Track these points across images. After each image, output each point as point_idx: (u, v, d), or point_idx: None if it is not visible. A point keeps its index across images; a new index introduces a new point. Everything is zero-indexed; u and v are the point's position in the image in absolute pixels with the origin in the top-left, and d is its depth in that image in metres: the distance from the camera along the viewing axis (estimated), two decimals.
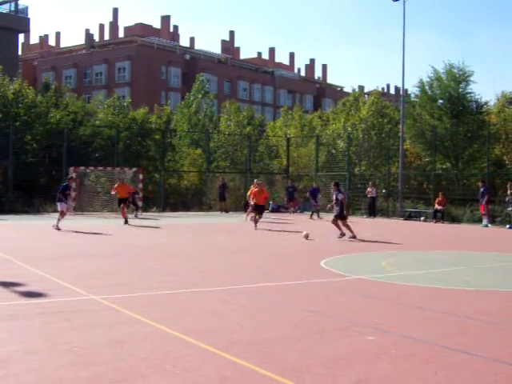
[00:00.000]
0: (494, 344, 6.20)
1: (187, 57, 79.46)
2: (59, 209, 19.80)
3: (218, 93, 74.21)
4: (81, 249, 14.49)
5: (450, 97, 31.63)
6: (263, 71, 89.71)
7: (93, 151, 34.56)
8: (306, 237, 17.42)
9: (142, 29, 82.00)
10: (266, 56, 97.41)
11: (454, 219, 27.63)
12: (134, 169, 30.71)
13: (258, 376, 4.98)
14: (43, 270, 10.59)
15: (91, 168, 29.74)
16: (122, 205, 22.97)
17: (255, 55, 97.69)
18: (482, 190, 25.23)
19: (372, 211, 30.34)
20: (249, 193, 23.63)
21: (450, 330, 6.79)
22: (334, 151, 36.74)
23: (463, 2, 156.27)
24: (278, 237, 18.88)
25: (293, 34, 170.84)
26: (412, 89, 51.17)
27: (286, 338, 6.22)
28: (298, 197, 34.04)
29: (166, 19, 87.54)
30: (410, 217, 29.40)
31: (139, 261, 12.30)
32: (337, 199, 17.72)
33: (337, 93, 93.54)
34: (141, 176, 30.17)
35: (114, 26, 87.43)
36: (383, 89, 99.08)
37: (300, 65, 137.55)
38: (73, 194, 28.00)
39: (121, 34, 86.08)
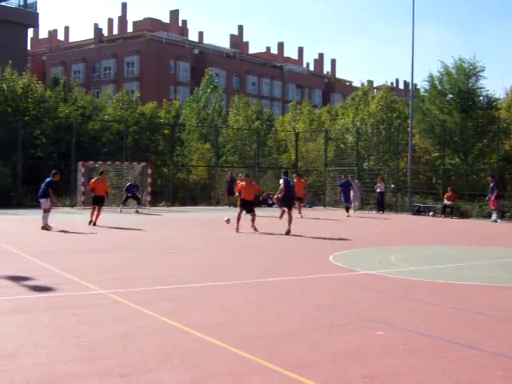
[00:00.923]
0: (503, 339, 6.17)
1: (196, 51, 79.46)
2: (42, 206, 17.78)
3: (227, 87, 74.19)
4: (89, 243, 14.56)
5: (459, 91, 31.37)
6: (272, 66, 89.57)
7: (101, 146, 34.66)
8: (228, 221, 18.46)
9: (151, 23, 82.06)
10: (274, 50, 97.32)
11: (463, 214, 27.51)
12: (143, 163, 30.78)
13: (265, 370, 4.98)
14: (52, 263, 10.63)
15: (100, 163, 29.81)
16: (96, 206, 19.20)
17: (264, 50, 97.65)
18: (491, 185, 25.15)
19: (381, 206, 30.22)
20: (236, 188, 21.37)
21: (458, 325, 6.77)
22: (342, 146, 36.59)
23: None
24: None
25: (302, 28, 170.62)
26: (421, 83, 50.95)
27: (295, 333, 6.21)
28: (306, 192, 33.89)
29: (174, 14, 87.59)
30: (418, 212, 29.30)
31: (147, 255, 12.33)
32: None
33: (346, 87, 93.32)
34: (149, 170, 30.27)
35: (122, 20, 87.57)
36: (392, 83, 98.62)
37: (309, 59, 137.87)
38: (82, 188, 28.16)
39: (129, 29, 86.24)
